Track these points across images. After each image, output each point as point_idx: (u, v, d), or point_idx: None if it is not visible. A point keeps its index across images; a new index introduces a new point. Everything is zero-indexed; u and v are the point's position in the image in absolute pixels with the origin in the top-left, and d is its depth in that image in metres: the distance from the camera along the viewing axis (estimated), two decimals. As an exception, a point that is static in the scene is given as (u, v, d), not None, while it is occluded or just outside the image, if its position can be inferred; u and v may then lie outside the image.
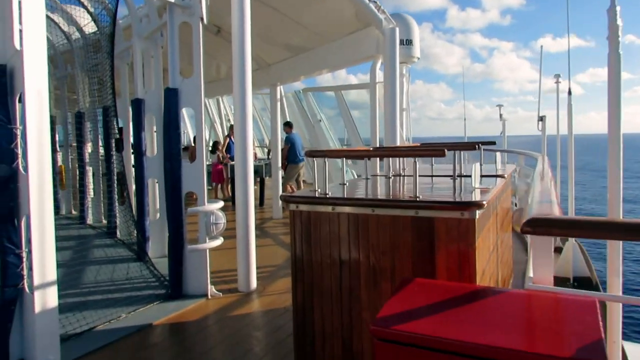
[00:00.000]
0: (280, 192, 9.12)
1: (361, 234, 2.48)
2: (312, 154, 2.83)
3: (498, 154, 4.16)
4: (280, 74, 8.65)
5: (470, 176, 2.79)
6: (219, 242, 4.57)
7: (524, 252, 5.56)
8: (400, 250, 2.36)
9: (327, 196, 2.67)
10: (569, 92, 5.33)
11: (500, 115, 9.56)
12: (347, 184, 3.23)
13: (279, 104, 9.04)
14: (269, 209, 9.83)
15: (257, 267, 4.92)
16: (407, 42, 8.41)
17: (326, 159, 2.82)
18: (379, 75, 6.20)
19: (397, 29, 5.65)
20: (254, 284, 4.81)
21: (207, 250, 4.51)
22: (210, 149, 11.86)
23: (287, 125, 9.96)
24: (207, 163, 12.61)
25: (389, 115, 5.77)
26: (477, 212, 2.15)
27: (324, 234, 2.62)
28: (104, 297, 4.56)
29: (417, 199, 2.35)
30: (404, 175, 3.95)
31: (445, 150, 2.51)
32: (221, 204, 4.60)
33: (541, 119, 7.03)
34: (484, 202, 2.16)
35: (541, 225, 1.67)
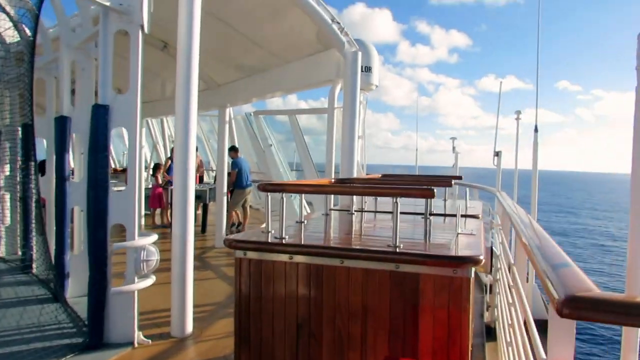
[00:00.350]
0: (225, 219, 8.52)
1: (326, 290, 2.01)
2: (266, 187, 2.35)
3: (467, 190, 3.87)
4: (231, 95, 8.16)
5: (442, 215, 2.41)
6: (149, 281, 3.94)
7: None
8: (374, 314, 1.91)
9: (284, 242, 2.19)
10: (535, 129, 5.20)
11: (454, 147, 9.51)
12: (305, 222, 2.78)
13: (227, 126, 8.52)
14: (211, 236, 9.18)
15: (195, 306, 4.32)
16: (367, 69, 8.22)
17: (282, 194, 2.34)
18: (337, 100, 5.87)
19: (360, 53, 5.36)
20: (189, 327, 4.20)
21: (136, 291, 3.89)
22: (151, 172, 11.12)
23: (233, 150, 9.46)
24: (147, 186, 11.86)
25: (346, 142, 5.40)
26: (473, 269, 1.76)
27: (278, 290, 2.12)
28: (5, 350, 3.78)
29: (398, 249, 1.93)
30: (370, 212, 3.55)
31: (435, 190, 2.12)
32: (153, 237, 3.99)
33: (497, 154, 6.94)
34: (481, 258, 1.77)
35: (588, 308, 1.02)
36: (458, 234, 2.30)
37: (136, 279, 3.84)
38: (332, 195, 4.93)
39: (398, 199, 2.10)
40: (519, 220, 2.84)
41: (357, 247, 2.20)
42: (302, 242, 2.27)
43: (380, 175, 4.73)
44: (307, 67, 5.99)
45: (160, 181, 10.38)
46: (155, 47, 7.54)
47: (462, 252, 1.98)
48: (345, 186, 2.98)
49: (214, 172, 16.27)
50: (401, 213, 3.64)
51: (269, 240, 2.24)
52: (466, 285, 1.75)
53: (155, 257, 3.88)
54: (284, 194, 2.32)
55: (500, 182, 7.22)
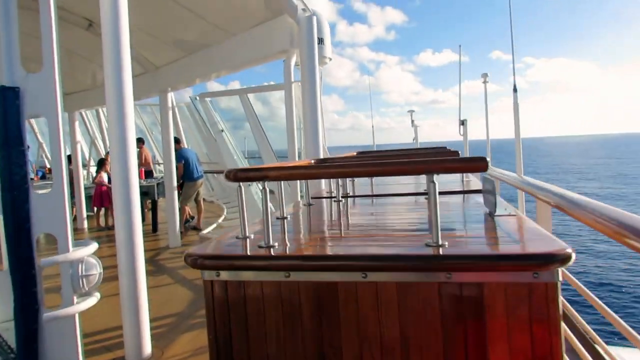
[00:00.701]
0: (178, 215, 7.77)
1: (344, 318, 1.39)
2: (238, 175, 1.68)
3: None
4: (171, 78, 7.34)
5: (480, 191, 1.86)
6: (92, 300, 3.25)
7: None
8: (419, 347, 1.33)
9: (273, 252, 1.54)
10: (514, 89, 4.81)
11: (412, 121, 9.16)
12: (288, 217, 2.19)
13: (170, 113, 7.71)
14: (164, 235, 8.41)
15: (152, 320, 3.69)
16: (320, 41, 7.60)
17: (264, 183, 1.69)
18: (295, 74, 5.26)
19: (315, 18, 4.76)
20: (147, 347, 3.57)
21: (77, 314, 3.20)
22: (96, 167, 10.11)
23: (175, 142, 8.62)
24: (88, 185, 10.82)
25: (309, 120, 4.82)
26: (560, 270, 1.24)
27: (272, 323, 1.49)
28: None
29: (442, 250, 1.35)
30: (367, 197, 2.97)
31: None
32: (93, 247, 3.28)
33: (462, 122, 6.59)
34: (569, 252, 1.23)
35: None
36: (495, 216, 1.77)
37: (75, 299, 3.14)
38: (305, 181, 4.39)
39: (434, 176, 1.46)
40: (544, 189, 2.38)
41: (386, 253, 1.49)
42: (303, 252, 1.63)
43: (355, 154, 4.19)
44: (257, 38, 5.33)
45: (104, 179, 9.43)
46: (79, 26, 6.60)
47: (537, 245, 1.38)
48: (354, 165, 2.10)
49: (161, 164, 15.30)
50: (415, 194, 3.04)
51: (251, 253, 1.57)
52: (553, 294, 1.22)
53: (96, 270, 3.20)
54: (264, 182, 1.67)
55: (468, 153, 6.91)
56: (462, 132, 6.64)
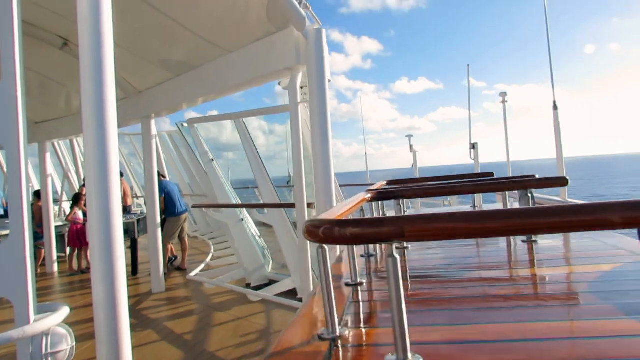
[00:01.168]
0: (162, 255, 6.93)
1: None
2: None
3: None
4: (156, 103, 6.64)
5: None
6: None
7: None
8: None
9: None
10: (554, 107, 4.28)
11: (411, 146, 8.66)
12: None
13: (154, 141, 6.97)
14: (146, 278, 7.54)
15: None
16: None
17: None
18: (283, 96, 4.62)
19: (324, 31, 4.16)
20: None
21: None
22: (70, 203, 9.18)
23: (157, 175, 7.85)
24: (60, 224, 9.86)
25: (318, 144, 4.17)
26: None
27: None
28: None
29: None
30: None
31: None
32: (62, 313, 2.50)
33: (473, 146, 6.08)
34: None
35: None
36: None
37: (37, 385, 2.34)
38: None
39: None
40: None
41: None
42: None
43: (385, 183, 3.55)
44: (257, 55, 4.71)
45: (79, 216, 8.53)
46: (53, 45, 5.89)
47: None
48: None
49: (139, 198, 14.34)
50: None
51: None
52: None
53: (67, 344, 2.41)
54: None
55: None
56: (472, 156, 6.14)
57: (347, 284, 1.92)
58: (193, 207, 8.01)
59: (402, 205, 2.09)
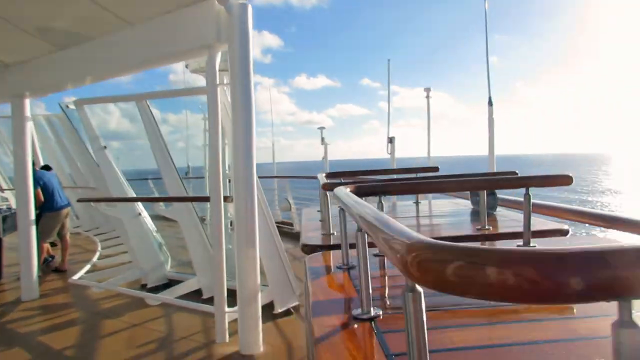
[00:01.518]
0: (35, 257, 5.96)
1: None
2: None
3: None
4: (31, 80, 5.64)
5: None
6: None
7: None
8: None
9: None
10: (489, 103, 4.38)
11: (322, 138, 8.58)
12: None
13: (28, 124, 5.93)
14: (13, 284, 6.44)
15: None
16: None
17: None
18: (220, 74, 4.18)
19: (250, 7, 3.78)
20: None
21: None
22: None
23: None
24: None
25: (241, 131, 3.79)
26: None
27: None
28: None
29: None
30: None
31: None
32: None
33: (390, 140, 6.15)
34: None
35: None
36: None
37: None
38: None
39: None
40: None
41: None
42: None
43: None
44: (167, 28, 4.14)
45: None
46: None
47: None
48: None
49: (4, 192, 12.42)
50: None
51: None
52: None
53: None
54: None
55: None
56: (389, 150, 6.21)
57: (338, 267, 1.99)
58: (79, 200, 7.02)
59: (382, 203, 1.88)
